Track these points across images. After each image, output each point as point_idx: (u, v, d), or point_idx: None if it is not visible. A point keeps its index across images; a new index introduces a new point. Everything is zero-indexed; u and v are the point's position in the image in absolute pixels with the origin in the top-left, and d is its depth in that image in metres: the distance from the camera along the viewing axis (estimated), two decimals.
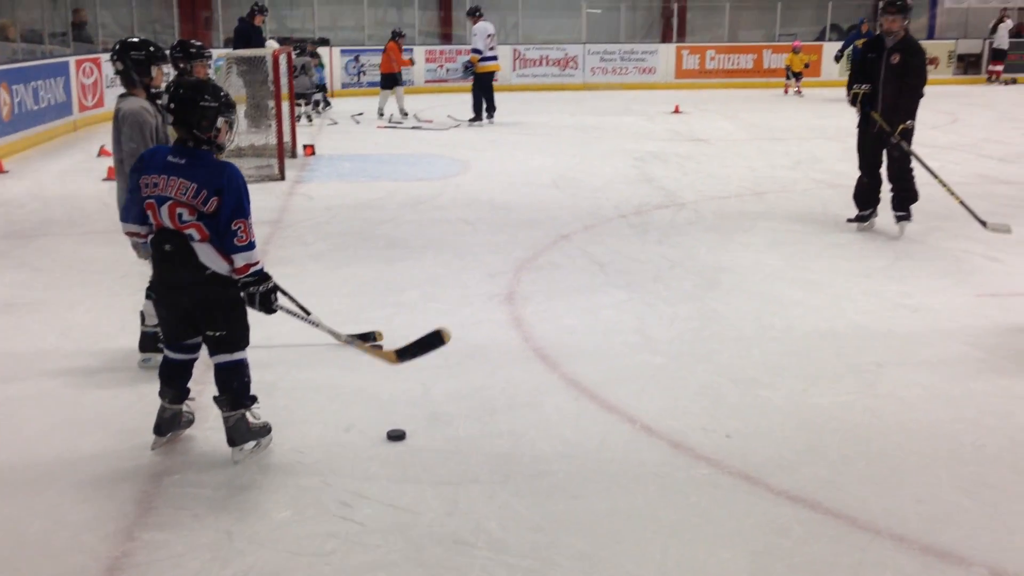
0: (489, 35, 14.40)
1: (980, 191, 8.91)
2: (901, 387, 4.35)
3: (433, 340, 3.95)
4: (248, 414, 3.70)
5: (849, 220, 7.54)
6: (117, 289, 5.93)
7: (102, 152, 11.14)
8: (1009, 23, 22.32)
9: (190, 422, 3.89)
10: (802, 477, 3.52)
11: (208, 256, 3.49)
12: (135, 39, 4.68)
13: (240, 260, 3.49)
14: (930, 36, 23.74)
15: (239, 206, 3.44)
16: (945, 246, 6.90)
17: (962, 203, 7.00)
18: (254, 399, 3.73)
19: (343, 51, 20.77)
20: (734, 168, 10.53)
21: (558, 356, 4.76)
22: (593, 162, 10.97)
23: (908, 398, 4.24)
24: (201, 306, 3.59)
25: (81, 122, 13.90)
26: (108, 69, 14.80)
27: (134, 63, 4.56)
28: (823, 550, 3.07)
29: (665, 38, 24.21)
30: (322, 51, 18.15)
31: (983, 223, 6.87)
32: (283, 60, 11.10)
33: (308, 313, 4.95)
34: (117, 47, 4.60)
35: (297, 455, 3.72)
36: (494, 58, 14.64)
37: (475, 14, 14.73)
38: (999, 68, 22.45)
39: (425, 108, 16.11)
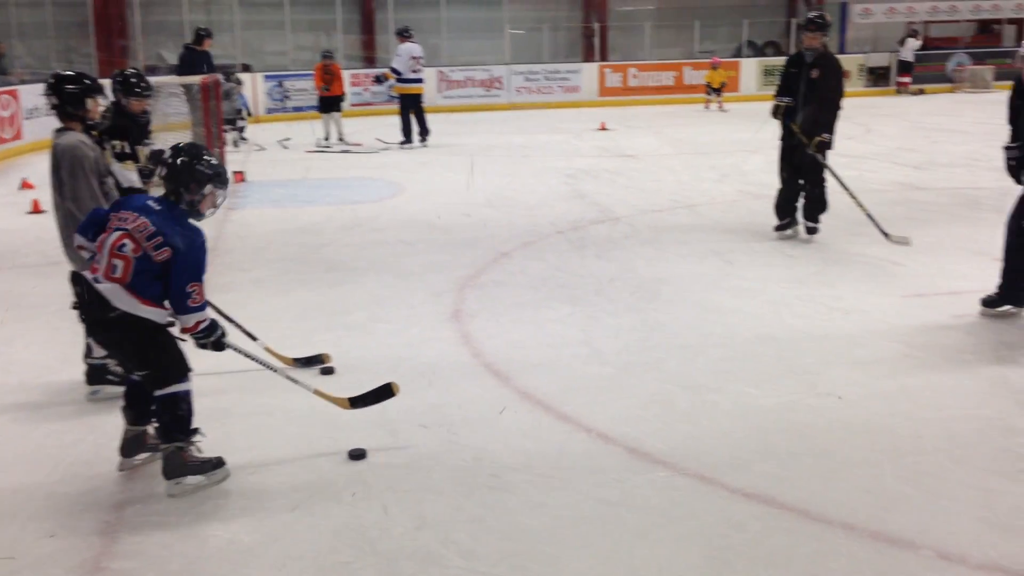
0: (414, 57, 14.42)
1: (898, 197, 9.30)
2: (840, 386, 4.54)
3: (384, 392, 4.18)
4: (192, 448, 3.68)
5: (775, 229, 7.80)
6: (55, 323, 5.84)
7: (24, 185, 10.92)
8: (918, 41, 23.27)
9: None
10: (755, 475, 3.66)
11: (118, 297, 3.51)
12: (69, 72, 4.65)
13: (191, 320, 3.56)
14: (841, 50, 24.55)
15: (196, 269, 3.53)
16: (869, 252, 7.16)
17: (868, 215, 7.32)
18: (193, 432, 3.69)
19: (267, 76, 20.68)
20: (663, 182, 10.78)
21: (509, 370, 4.84)
22: (526, 180, 11.12)
23: (848, 396, 4.42)
24: (116, 347, 3.66)
25: None
26: (25, 101, 14.53)
27: (69, 97, 4.53)
28: (780, 542, 3.20)
29: (587, 57, 24.61)
30: (244, 77, 18.06)
31: (886, 235, 7.19)
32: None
33: (255, 339, 4.98)
34: (51, 81, 4.57)
35: (259, 479, 3.73)
36: (419, 80, 14.61)
37: (403, 34, 14.77)
38: (907, 80, 23.33)
39: (353, 132, 16.09)
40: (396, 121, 14.80)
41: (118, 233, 3.53)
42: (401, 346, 5.27)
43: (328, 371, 4.88)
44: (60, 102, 4.53)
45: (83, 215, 4.37)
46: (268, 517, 3.43)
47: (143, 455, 3.84)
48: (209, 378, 4.80)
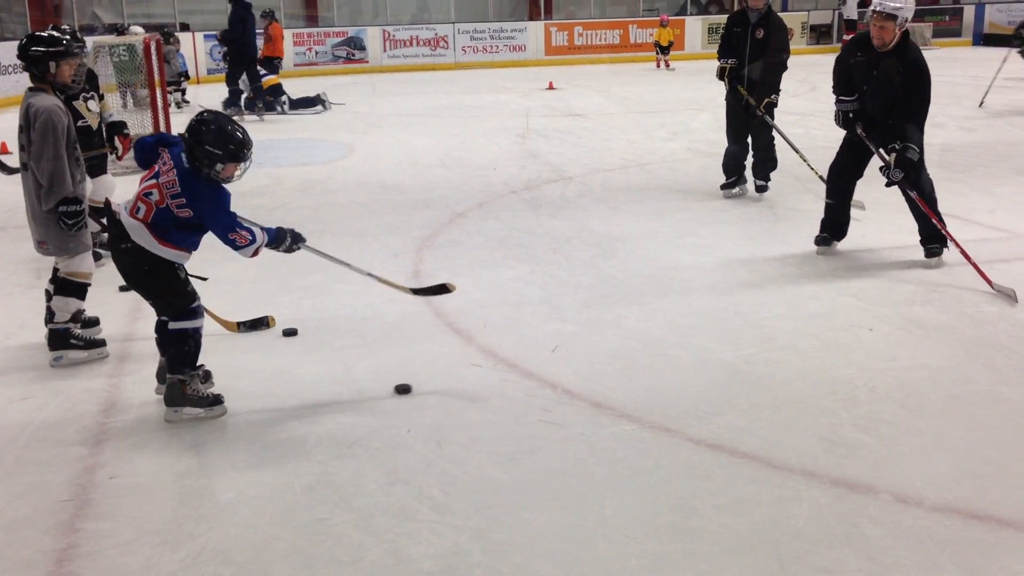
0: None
1: None
2: (796, 338, 4.66)
3: (442, 288, 4.55)
4: (195, 383, 3.92)
5: (721, 187, 7.89)
6: (8, 288, 5.75)
7: None
8: None
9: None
10: (717, 426, 3.76)
11: (137, 233, 3.76)
12: (42, 33, 4.61)
13: (250, 252, 3.82)
14: (784, 8, 24.75)
15: (228, 225, 3.73)
16: (818, 208, 7.22)
17: (820, 177, 7.39)
18: (197, 368, 3.96)
19: (206, 36, 20.21)
20: (614, 141, 10.84)
21: (472, 329, 4.88)
22: (477, 140, 11.11)
23: (803, 348, 4.54)
24: (132, 279, 3.90)
25: None
26: None
27: (31, 59, 4.48)
28: (744, 490, 3.31)
29: (532, 16, 24.49)
30: (183, 36, 17.65)
31: None
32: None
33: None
34: (22, 40, 4.54)
35: (228, 438, 3.74)
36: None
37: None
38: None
39: (298, 92, 15.86)
40: (341, 80, 14.62)
41: (150, 182, 3.77)
42: (363, 307, 5.28)
43: (291, 332, 4.87)
44: (25, 64, 4.47)
45: (44, 180, 4.31)
46: (241, 475, 3.45)
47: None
48: None
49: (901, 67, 5.48)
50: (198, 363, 3.99)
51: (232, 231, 3.74)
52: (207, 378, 4.11)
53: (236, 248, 3.78)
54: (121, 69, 10.61)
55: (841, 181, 6.05)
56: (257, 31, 14.26)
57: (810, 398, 4.01)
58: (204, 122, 3.72)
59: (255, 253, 3.84)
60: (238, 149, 3.70)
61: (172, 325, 3.89)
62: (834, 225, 6.16)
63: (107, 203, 3.84)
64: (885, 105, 5.59)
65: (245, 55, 13.63)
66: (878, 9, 5.44)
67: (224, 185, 3.78)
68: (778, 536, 3.01)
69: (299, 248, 4.03)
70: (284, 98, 14.33)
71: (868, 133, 5.75)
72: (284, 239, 3.95)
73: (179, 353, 3.90)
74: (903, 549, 2.92)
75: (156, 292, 3.89)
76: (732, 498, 3.25)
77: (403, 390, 4.11)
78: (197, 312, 3.93)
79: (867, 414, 3.86)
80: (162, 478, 3.45)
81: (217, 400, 3.96)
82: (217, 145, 3.66)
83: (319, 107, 14.25)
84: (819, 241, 6.17)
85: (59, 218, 4.41)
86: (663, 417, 3.85)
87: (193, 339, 3.91)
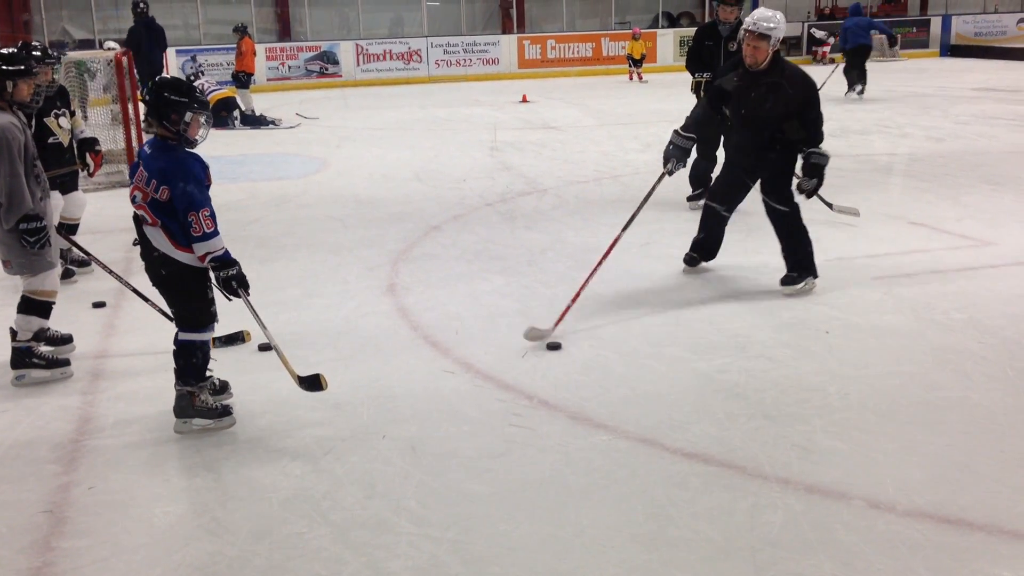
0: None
1: None
2: (769, 348, 4.70)
3: (315, 383, 3.98)
4: (203, 395, 3.96)
5: (688, 199, 7.93)
6: None
7: None
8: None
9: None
10: (693, 435, 3.79)
11: (156, 239, 3.79)
12: (3, 51, 4.55)
13: (199, 249, 3.73)
14: None
15: (190, 200, 3.66)
16: None
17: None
18: (205, 380, 3.99)
19: (178, 51, 20.17)
20: (588, 153, 10.90)
21: (448, 342, 4.89)
22: (451, 154, 11.13)
23: (777, 357, 4.59)
24: (157, 284, 3.92)
25: None
26: None
27: None
28: (720, 498, 3.33)
29: (505, 29, 24.58)
30: None
31: (829, 205, 7.34)
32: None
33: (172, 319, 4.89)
34: None
35: (204, 454, 3.73)
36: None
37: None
38: (826, 48, 23.84)
39: (271, 107, 15.87)
40: (314, 94, 14.63)
41: (132, 186, 3.82)
42: (339, 320, 5.28)
43: (266, 347, 4.85)
44: None
45: (3, 198, 4.28)
46: (217, 491, 3.44)
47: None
48: (146, 357, 4.78)
49: (784, 82, 5.52)
50: (207, 374, 4.04)
51: (193, 211, 3.65)
52: (224, 388, 4.17)
53: (192, 236, 3.68)
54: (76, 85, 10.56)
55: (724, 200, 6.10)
56: (230, 46, 14.24)
57: (784, 406, 4.05)
58: (162, 79, 3.86)
59: (205, 254, 3.72)
60: (199, 96, 3.82)
61: (180, 336, 3.92)
62: (701, 246, 6.14)
63: (135, 215, 3.87)
64: (763, 124, 5.61)
65: (145, 70, 13.43)
66: (751, 29, 5.45)
67: (195, 157, 3.81)
68: (753, 543, 3.04)
69: (238, 291, 3.82)
70: (236, 113, 14.30)
71: (737, 161, 6.01)
72: (233, 265, 3.78)
73: (186, 365, 3.93)
74: (876, 554, 2.96)
75: (180, 299, 3.91)
76: (707, 506, 3.28)
77: (553, 347, 4.66)
78: (208, 328, 3.96)
79: (840, 421, 3.90)
80: (138, 495, 3.43)
81: (226, 411, 3.99)
82: (181, 93, 3.76)
83: (271, 125, 14.22)
84: (686, 259, 6.14)
85: (20, 236, 4.37)
86: (638, 427, 3.87)
87: (200, 351, 3.96)
